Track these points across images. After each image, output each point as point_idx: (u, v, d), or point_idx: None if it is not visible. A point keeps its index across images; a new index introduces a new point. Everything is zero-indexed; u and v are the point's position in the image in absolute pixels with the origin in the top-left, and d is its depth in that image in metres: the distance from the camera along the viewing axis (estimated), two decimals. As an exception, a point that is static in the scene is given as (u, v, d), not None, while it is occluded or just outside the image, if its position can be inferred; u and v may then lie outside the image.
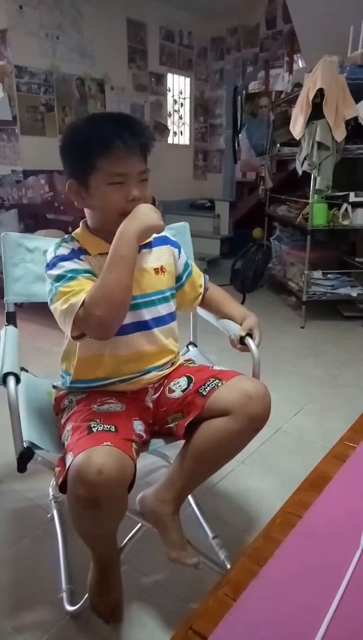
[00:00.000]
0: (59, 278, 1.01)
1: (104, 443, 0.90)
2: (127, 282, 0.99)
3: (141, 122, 1.08)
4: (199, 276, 1.33)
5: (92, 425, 0.97)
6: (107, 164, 1.00)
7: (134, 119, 1.07)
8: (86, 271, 1.03)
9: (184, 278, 1.28)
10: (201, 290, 1.33)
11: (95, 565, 1.07)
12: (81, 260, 1.06)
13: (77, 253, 1.07)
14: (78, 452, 0.89)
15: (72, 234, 1.13)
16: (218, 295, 1.37)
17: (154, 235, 1.24)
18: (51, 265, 1.04)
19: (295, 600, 0.60)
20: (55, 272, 1.02)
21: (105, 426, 0.98)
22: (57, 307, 1.00)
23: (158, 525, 1.09)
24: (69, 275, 1.01)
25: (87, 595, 1.09)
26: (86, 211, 1.12)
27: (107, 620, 1.08)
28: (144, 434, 1.08)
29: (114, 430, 0.97)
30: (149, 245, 1.19)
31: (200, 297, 1.33)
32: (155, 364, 1.17)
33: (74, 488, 0.87)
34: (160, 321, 1.17)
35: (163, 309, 1.18)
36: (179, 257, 1.26)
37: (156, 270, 1.18)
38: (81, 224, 1.15)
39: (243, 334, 1.23)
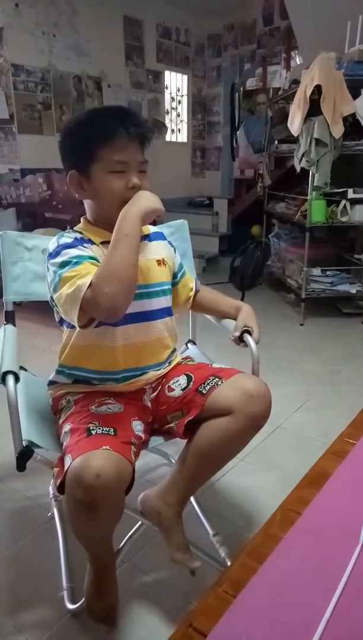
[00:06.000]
0: (63, 264, 0.99)
1: (103, 447, 0.89)
2: (133, 259, 0.98)
3: (140, 115, 1.10)
4: (191, 280, 1.35)
5: (91, 428, 0.97)
6: (109, 153, 1.02)
7: (134, 111, 1.09)
8: (91, 257, 1.02)
9: (178, 277, 1.30)
10: (192, 293, 1.34)
11: (91, 567, 1.07)
12: (85, 247, 1.05)
13: (81, 241, 1.06)
14: (77, 455, 0.89)
15: (74, 228, 1.14)
16: (209, 294, 1.38)
17: (152, 229, 1.24)
18: (54, 254, 1.02)
19: (294, 597, 0.60)
20: (59, 259, 1.00)
21: (104, 429, 0.97)
22: (62, 293, 0.96)
23: (162, 527, 1.08)
24: (75, 260, 0.99)
25: (87, 594, 1.09)
26: (86, 204, 1.12)
27: (102, 622, 1.08)
28: (143, 435, 1.07)
29: (113, 433, 0.96)
30: (148, 238, 1.20)
31: (191, 299, 1.34)
32: (152, 360, 1.16)
33: (72, 491, 0.87)
34: (160, 313, 1.17)
35: (163, 302, 1.18)
36: (175, 255, 1.29)
37: (159, 262, 1.18)
38: (81, 219, 1.15)
39: (237, 334, 1.22)
